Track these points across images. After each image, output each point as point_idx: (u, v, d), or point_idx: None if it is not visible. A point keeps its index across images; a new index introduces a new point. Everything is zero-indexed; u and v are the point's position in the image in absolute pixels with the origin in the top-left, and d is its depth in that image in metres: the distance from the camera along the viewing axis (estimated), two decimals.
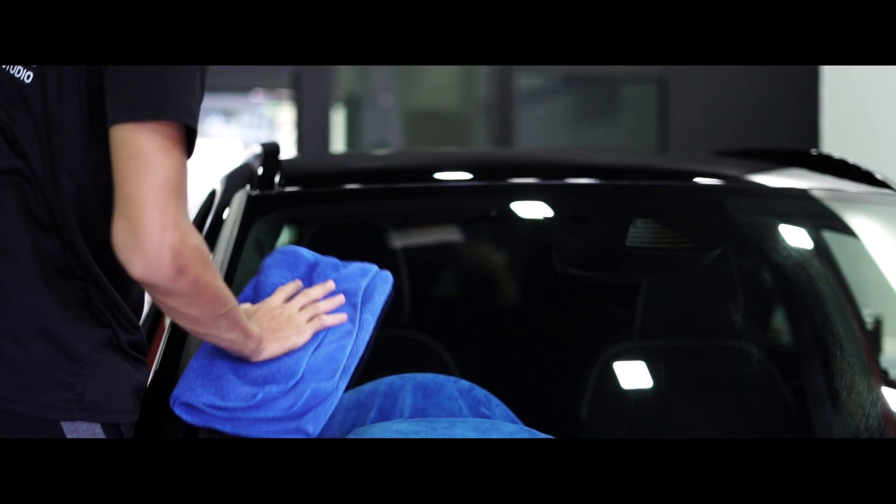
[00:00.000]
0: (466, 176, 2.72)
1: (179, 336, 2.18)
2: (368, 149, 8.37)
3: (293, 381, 1.92)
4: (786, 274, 2.94)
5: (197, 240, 1.76)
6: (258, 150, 2.63)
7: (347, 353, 1.99)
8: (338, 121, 7.73)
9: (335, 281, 2.08)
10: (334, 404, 1.94)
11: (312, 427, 1.91)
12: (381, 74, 8.54)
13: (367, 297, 2.07)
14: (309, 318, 2.00)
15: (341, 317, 2.03)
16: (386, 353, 2.89)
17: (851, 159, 2.89)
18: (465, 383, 2.29)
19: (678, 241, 2.72)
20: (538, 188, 2.65)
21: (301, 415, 1.91)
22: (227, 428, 1.92)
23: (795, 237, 2.83)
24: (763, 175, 2.84)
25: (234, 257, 2.32)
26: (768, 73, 7.22)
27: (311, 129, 6.81)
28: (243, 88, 7.71)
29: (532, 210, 2.71)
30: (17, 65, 1.93)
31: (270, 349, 1.95)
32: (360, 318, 2.04)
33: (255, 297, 2.07)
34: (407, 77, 8.70)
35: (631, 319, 2.94)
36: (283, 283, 2.07)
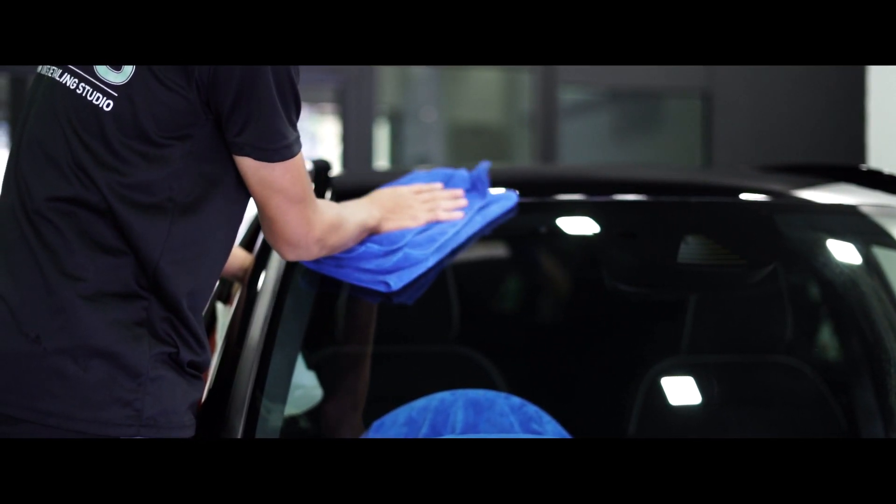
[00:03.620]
0: (519, 192, 2.72)
1: (232, 354, 2.20)
2: (411, 164, 8.39)
3: (394, 247, 2.24)
4: (836, 290, 2.93)
5: (327, 218, 2.14)
6: (309, 166, 2.65)
7: (447, 237, 2.29)
8: (381, 135, 7.75)
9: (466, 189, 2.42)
10: (421, 272, 2.25)
11: (395, 282, 2.23)
12: (424, 89, 8.56)
13: (486, 205, 2.39)
14: (428, 210, 2.37)
15: (456, 214, 2.38)
16: (434, 369, 2.90)
17: None
18: (517, 399, 2.30)
19: (728, 256, 2.72)
20: (588, 204, 2.66)
21: (389, 272, 2.22)
22: (334, 273, 2.26)
23: (845, 253, 2.82)
24: (812, 191, 2.83)
25: (286, 276, 2.33)
26: (813, 87, 7.18)
27: (355, 143, 6.83)
28: None
29: (582, 226, 2.71)
30: (104, 65, 1.96)
31: (386, 227, 2.32)
32: (470, 217, 2.35)
33: None
34: (450, 91, 8.72)
35: (679, 335, 2.93)
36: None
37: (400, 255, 2.25)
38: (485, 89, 8.64)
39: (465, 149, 8.75)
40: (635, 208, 2.66)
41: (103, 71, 1.95)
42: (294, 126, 2.02)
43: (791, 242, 2.82)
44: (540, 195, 2.71)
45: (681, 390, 2.84)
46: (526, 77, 7.40)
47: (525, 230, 2.98)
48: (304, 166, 2.05)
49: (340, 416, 2.46)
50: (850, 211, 2.72)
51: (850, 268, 2.80)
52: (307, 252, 2.15)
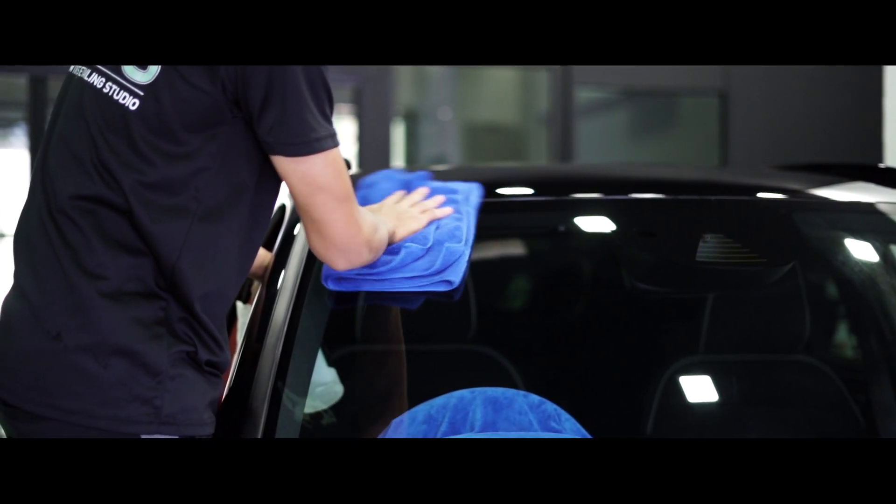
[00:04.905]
0: (536, 191, 2.73)
1: (252, 352, 2.21)
2: (427, 163, 8.39)
3: (428, 244, 2.23)
4: (854, 288, 2.93)
5: (368, 219, 2.10)
6: None
7: (465, 229, 2.31)
8: (397, 135, 7.76)
9: (431, 188, 2.44)
10: (465, 263, 2.24)
11: (454, 277, 2.21)
12: (440, 88, 8.57)
13: (465, 197, 2.41)
14: (422, 212, 2.33)
15: (447, 210, 2.36)
16: (452, 367, 2.91)
17: None
18: (535, 397, 2.31)
19: (746, 255, 2.72)
20: (606, 203, 2.66)
21: (441, 270, 2.20)
22: (377, 287, 2.20)
23: (863, 251, 2.82)
24: (830, 189, 2.83)
25: (305, 273, 2.34)
26: (830, 85, 7.17)
27: (372, 143, 6.84)
28: None
29: (600, 225, 2.72)
30: (130, 64, 1.96)
31: (399, 234, 2.25)
32: (464, 209, 2.38)
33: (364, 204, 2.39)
34: (466, 91, 8.73)
35: (697, 333, 2.93)
36: (389, 194, 2.42)
37: (444, 252, 2.23)
38: (501, 89, 8.65)
39: (481, 148, 8.76)
40: (653, 207, 2.67)
41: (130, 70, 1.96)
42: (329, 120, 1.99)
43: (809, 241, 2.82)
44: (558, 194, 2.72)
45: (699, 389, 2.84)
46: (542, 76, 7.41)
47: (544, 229, 2.99)
48: (343, 163, 2.01)
49: (380, 410, 2.45)
50: (868, 209, 2.72)
51: (869, 266, 2.80)
52: (358, 256, 2.08)
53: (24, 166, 6.45)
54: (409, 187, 2.47)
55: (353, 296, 2.34)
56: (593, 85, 7.27)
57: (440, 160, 8.39)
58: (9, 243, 2.07)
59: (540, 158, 8.00)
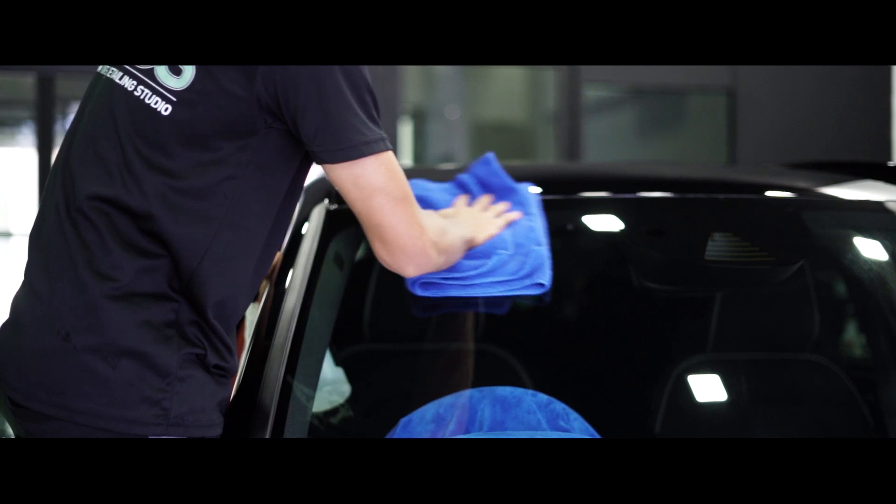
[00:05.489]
0: (545, 190, 2.73)
1: (261, 351, 2.21)
2: (435, 162, 8.39)
3: (510, 250, 2.23)
4: (863, 286, 2.92)
5: (432, 221, 2.05)
6: None
7: (539, 229, 2.33)
8: (404, 133, 7.76)
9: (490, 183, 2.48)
10: (549, 265, 2.25)
11: (546, 280, 2.23)
12: (448, 87, 8.56)
13: (525, 197, 2.44)
14: (496, 216, 2.33)
15: (517, 213, 2.36)
16: None
17: None
18: (544, 397, 2.31)
19: (755, 254, 2.71)
20: (614, 202, 2.66)
21: (531, 273, 2.21)
22: (466, 292, 2.17)
23: (872, 249, 2.81)
24: (839, 187, 2.83)
25: (313, 272, 2.34)
26: (838, 84, 7.16)
27: None
28: None
29: (608, 223, 2.72)
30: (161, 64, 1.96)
31: (480, 238, 2.24)
32: (531, 210, 2.40)
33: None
34: (474, 89, 8.72)
35: (706, 332, 2.93)
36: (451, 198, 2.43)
37: (532, 255, 2.22)
38: (509, 87, 8.64)
39: (488, 146, 8.73)
40: (662, 206, 2.67)
41: (163, 76, 1.95)
42: (376, 122, 1.96)
43: (818, 239, 2.82)
44: (566, 192, 2.72)
45: (707, 388, 2.83)
46: (550, 75, 7.40)
47: (552, 228, 2.99)
48: (398, 165, 1.97)
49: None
50: (877, 207, 2.72)
51: (878, 264, 2.79)
52: (426, 259, 2.02)
53: (31, 166, 6.45)
54: (464, 186, 2.45)
55: (440, 302, 2.30)
56: (601, 83, 7.26)
57: (447, 158, 8.39)
58: (16, 242, 2.07)
59: (547, 157, 7.99)
